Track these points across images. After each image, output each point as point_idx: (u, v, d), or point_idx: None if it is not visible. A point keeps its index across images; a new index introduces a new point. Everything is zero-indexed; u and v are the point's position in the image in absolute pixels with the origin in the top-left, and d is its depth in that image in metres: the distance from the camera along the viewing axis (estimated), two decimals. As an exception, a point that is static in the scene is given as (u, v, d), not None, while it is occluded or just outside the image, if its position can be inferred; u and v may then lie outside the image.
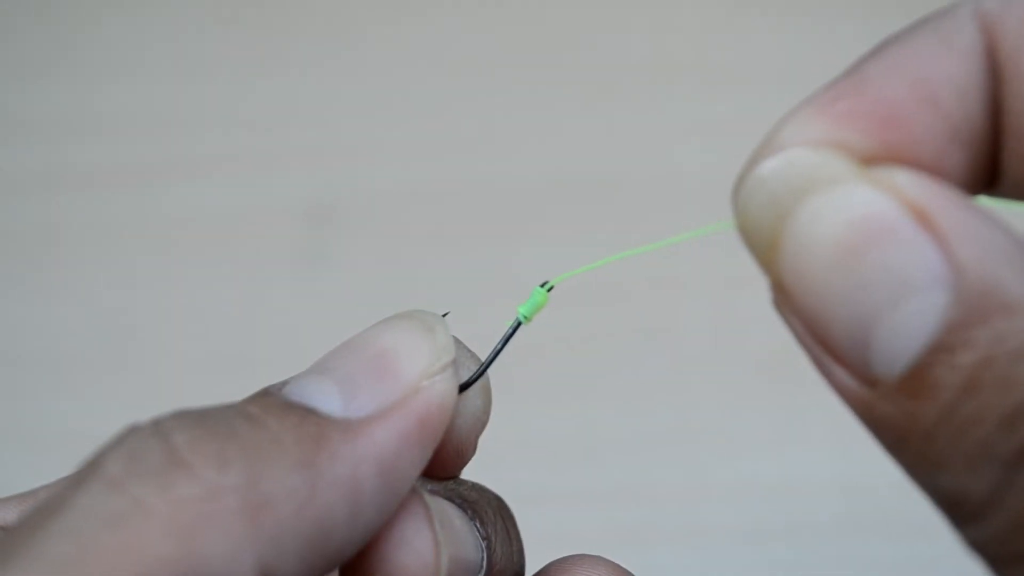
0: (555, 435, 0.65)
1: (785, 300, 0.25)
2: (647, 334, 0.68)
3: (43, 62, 0.78)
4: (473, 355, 0.30)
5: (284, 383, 0.28)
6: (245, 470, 0.24)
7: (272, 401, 0.27)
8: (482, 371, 0.30)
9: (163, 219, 0.73)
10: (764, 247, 0.25)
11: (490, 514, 0.31)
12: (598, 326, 0.68)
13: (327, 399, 0.27)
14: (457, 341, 0.30)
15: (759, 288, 0.26)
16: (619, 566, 0.33)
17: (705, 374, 0.66)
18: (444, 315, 0.30)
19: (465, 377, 0.29)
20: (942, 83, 0.25)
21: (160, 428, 0.25)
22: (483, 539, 0.30)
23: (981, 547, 0.23)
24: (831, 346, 0.24)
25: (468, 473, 0.35)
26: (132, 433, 0.25)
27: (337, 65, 0.77)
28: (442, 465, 0.29)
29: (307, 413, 0.26)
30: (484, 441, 0.31)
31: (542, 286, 0.31)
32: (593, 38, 0.78)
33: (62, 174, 0.74)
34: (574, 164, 0.73)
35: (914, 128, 0.25)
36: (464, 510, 0.30)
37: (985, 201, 0.26)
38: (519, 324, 0.31)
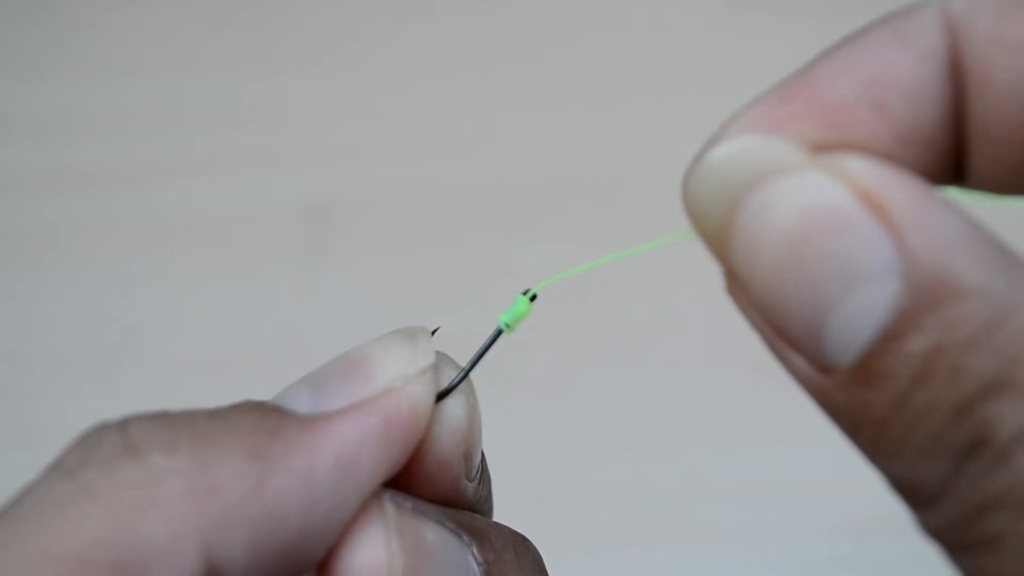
0: (554, 435, 0.65)
1: (738, 288, 0.25)
2: (646, 333, 0.68)
3: (43, 62, 0.78)
4: (459, 368, 0.30)
5: None
6: (192, 455, 0.25)
7: (244, 402, 0.27)
8: (460, 379, 0.29)
9: (163, 219, 0.73)
10: (715, 236, 0.25)
11: (495, 543, 0.30)
12: (597, 325, 0.68)
13: (296, 398, 0.27)
14: (444, 356, 0.29)
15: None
16: None
17: (705, 374, 0.66)
18: (434, 331, 0.29)
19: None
20: (892, 85, 0.24)
21: (121, 423, 0.25)
22: (479, 564, 0.29)
23: (935, 534, 0.24)
24: (785, 334, 0.24)
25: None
26: (95, 429, 0.26)
27: (337, 65, 0.77)
28: (429, 481, 0.29)
29: (272, 409, 0.27)
30: (485, 441, 0.31)
31: (524, 294, 0.31)
32: (593, 38, 0.78)
33: (62, 174, 0.74)
34: (574, 164, 0.73)
35: (857, 131, 0.24)
36: (457, 534, 0.29)
37: (954, 193, 0.26)
38: (500, 332, 0.30)
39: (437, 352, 0.29)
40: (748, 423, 0.65)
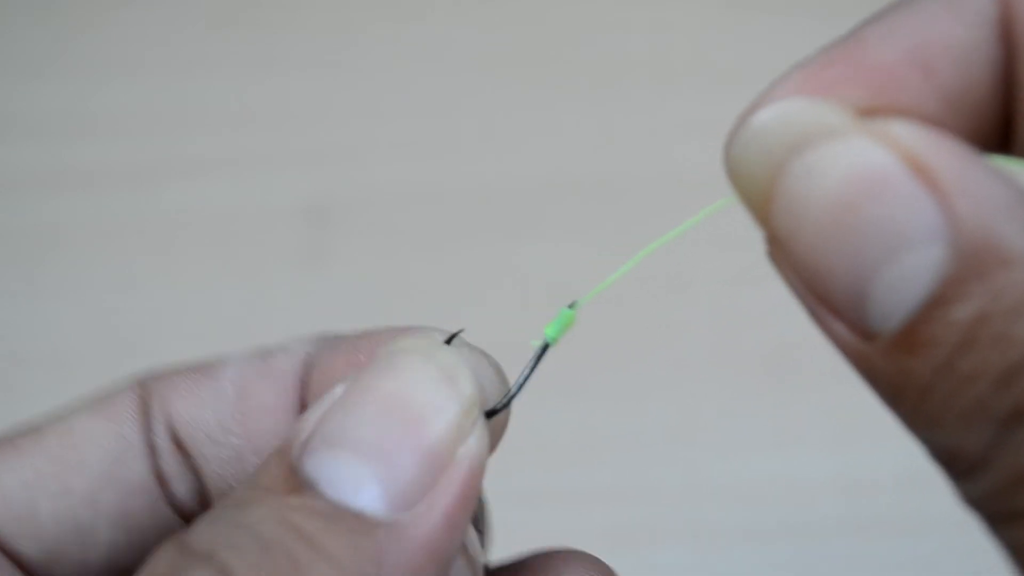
0: (555, 435, 0.65)
1: (780, 254, 0.24)
2: (647, 334, 0.68)
3: (43, 62, 0.78)
4: (495, 367, 0.29)
5: (304, 448, 0.25)
6: None
7: (314, 507, 0.25)
8: (509, 400, 0.28)
9: (163, 219, 0.73)
10: (758, 200, 0.24)
11: (483, 519, 0.30)
12: (598, 325, 0.68)
13: (369, 494, 0.25)
14: (479, 353, 0.28)
15: (759, 287, 0.26)
16: (603, 564, 0.32)
17: (705, 374, 0.66)
18: (455, 335, 0.28)
19: (489, 394, 0.28)
20: (941, 50, 0.24)
21: (216, 561, 0.24)
22: (481, 533, 0.30)
23: (976, 503, 0.23)
24: (828, 300, 0.24)
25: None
26: (188, 566, 0.24)
27: (337, 65, 0.77)
28: None
29: (355, 521, 0.25)
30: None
31: (570, 307, 0.30)
32: (593, 38, 0.78)
33: (62, 174, 0.74)
34: (574, 164, 0.73)
35: (905, 95, 0.24)
36: (478, 528, 0.29)
37: (1001, 161, 0.26)
38: (547, 346, 0.29)
39: (463, 348, 0.28)
40: (748, 424, 0.65)
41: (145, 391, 0.34)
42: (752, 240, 0.26)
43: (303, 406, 0.32)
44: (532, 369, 0.29)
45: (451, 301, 0.69)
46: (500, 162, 0.74)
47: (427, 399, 0.26)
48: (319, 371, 0.32)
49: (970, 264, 0.22)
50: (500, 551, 0.31)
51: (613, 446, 0.65)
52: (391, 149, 0.74)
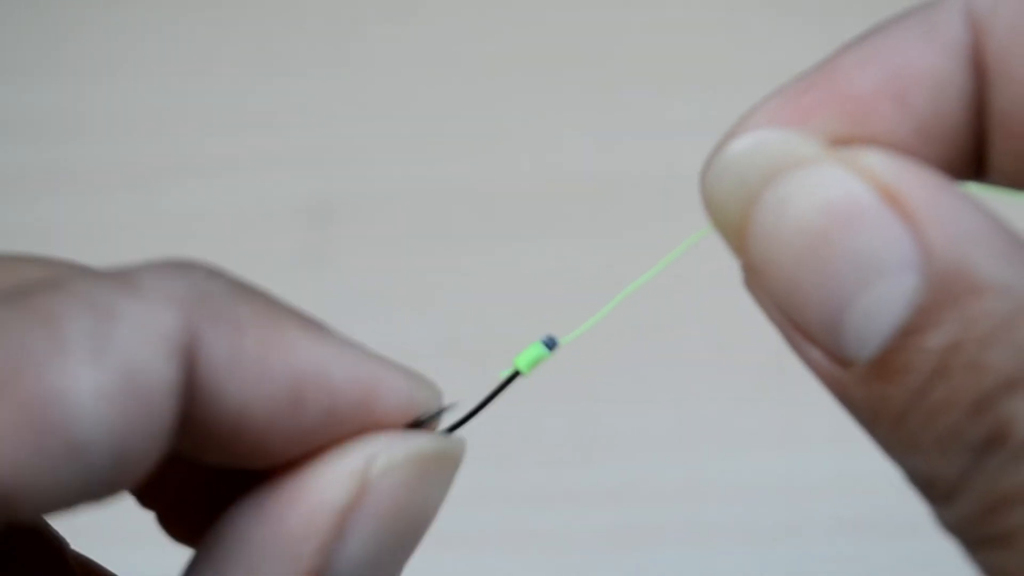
0: (555, 435, 0.65)
1: (756, 282, 0.25)
2: (647, 334, 0.68)
3: (42, 61, 0.78)
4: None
5: None
6: None
7: None
8: (463, 422, 0.28)
9: (164, 219, 0.73)
10: (733, 230, 0.25)
11: None
12: (598, 325, 0.68)
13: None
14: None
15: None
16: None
17: (705, 374, 0.66)
18: (444, 410, 0.27)
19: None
20: (915, 79, 0.24)
21: None
22: None
23: (953, 528, 0.24)
24: (803, 328, 0.24)
25: (472, 471, 0.35)
26: None
27: (338, 65, 0.77)
28: None
29: None
30: (484, 441, 0.30)
31: (548, 346, 0.30)
32: (593, 38, 0.78)
33: (62, 174, 0.74)
34: (573, 165, 0.73)
35: (877, 124, 0.24)
36: None
37: (974, 188, 0.26)
38: (516, 375, 0.29)
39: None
40: (748, 424, 0.65)
41: None
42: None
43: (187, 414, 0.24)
44: (493, 396, 0.29)
45: (452, 301, 0.69)
46: (500, 162, 0.74)
47: (438, 510, 0.26)
48: (209, 373, 0.24)
49: (943, 292, 0.22)
50: (500, 550, 0.31)
51: (613, 446, 0.65)
52: (391, 149, 0.74)
